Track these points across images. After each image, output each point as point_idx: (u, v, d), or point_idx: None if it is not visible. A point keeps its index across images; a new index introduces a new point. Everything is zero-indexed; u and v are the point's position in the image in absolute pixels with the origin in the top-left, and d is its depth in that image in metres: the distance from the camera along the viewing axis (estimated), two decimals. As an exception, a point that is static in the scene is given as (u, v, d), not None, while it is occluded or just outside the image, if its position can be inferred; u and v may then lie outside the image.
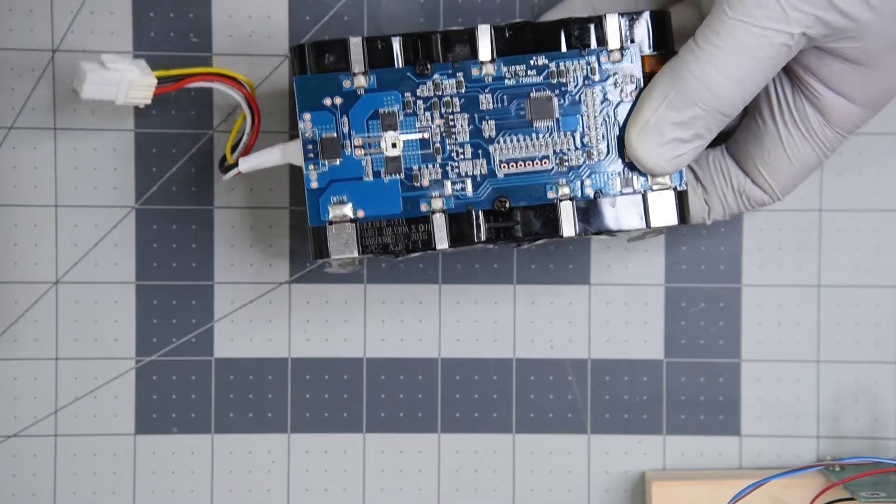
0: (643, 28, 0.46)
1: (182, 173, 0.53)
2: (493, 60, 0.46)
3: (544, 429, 0.54)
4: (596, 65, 0.46)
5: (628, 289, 0.54)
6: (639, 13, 0.47)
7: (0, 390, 0.53)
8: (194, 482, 0.54)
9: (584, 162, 0.47)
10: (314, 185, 0.46)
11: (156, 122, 0.53)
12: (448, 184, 0.46)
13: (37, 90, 0.53)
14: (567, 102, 0.47)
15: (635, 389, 0.54)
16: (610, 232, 0.47)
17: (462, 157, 0.47)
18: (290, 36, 0.53)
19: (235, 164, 0.48)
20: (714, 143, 0.48)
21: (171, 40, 0.53)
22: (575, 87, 0.47)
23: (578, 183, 0.47)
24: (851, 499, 0.49)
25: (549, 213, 0.46)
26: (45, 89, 0.53)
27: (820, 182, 0.53)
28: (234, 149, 0.49)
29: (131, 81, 0.47)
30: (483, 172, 0.47)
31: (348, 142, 0.46)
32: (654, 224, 0.46)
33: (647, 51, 0.46)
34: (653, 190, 0.47)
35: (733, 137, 0.49)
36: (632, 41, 0.46)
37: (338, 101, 0.46)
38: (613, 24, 0.46)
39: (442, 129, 0.46)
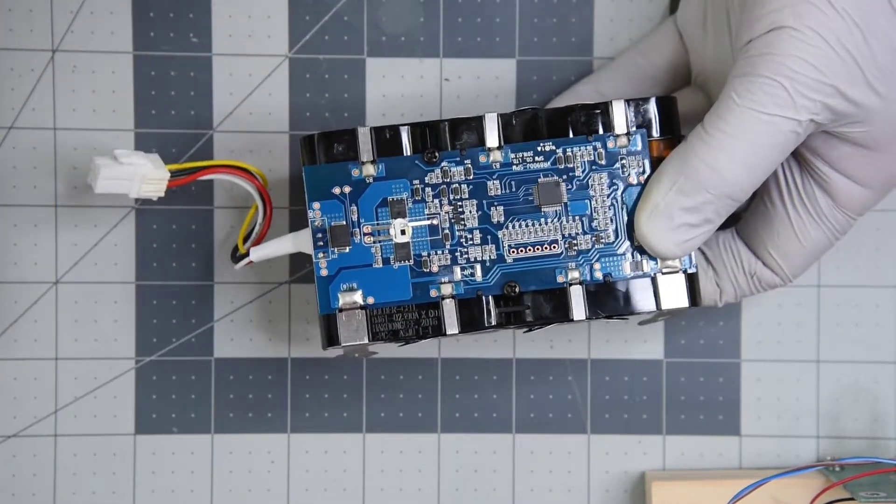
0: (650, 113, 0.47)
1: (182, 173, 0.53)
2: (500, 147, 0.47)
3: (544, 429, 0.54)
4: (603, 150, 0.47)
5: (628, 289, 0.54)
6: (645, 99, 0.47)
7: (0, 390, 0.53)
8: (194, 482, 0.54)
9: (594, 246, 0.47)
10: (324, 272, 0.47)
11: (156, 122, 0.53)
12: (457, 269, 0.47)
13: (37, 90, 0.53)
14: (575, 187, 0.47)
15: (635, 389, 0.54)
16: (621, 315, 0.47)
17: (471, 242, 0.47)
18: (290, 36, 0.53)
19: (247, 254, 0.49)
20: (724, 226, 0.48)
21: (171, 40, 0.53)
22: (582, 171, 0.47)
23: (588, 267, 0.47)
24: (851, 499, 0.49)
25: (559, 298, 0.47)
26: (45, 89, 0.53)
27: (820, 182, 0.53)
28: (246, 238, 0.49)
29: (144, 176, 0.48)
30: (492, 258, 0.47)
31: (357, 229, 0.47)
32: (664, 307, 0.47)
33: (655, 135, 0.47)
34: (662, 273, 0.47)
35: (743, 220, 0.49)
36: (638, 126, 0.47)
37: (347, 189, 0.47)
38: (620, 110, 0.47)
39: (451, 216, 0.47)
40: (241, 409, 0.54)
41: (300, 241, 0.48)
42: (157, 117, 0.53)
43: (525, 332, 0.49)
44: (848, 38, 0.43)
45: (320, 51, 0.53)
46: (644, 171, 0.47)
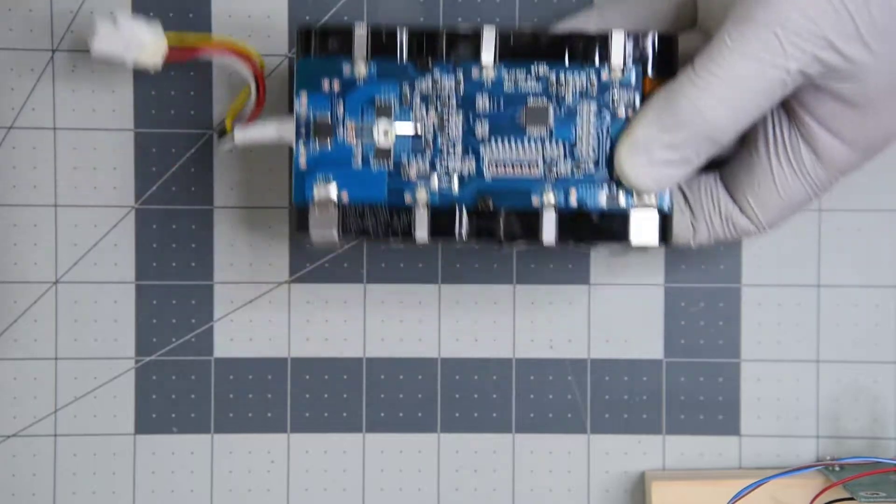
0: (648, 49, 0.47)
1: (182, 173, 0.53)
2: (495, 64, 0.47)
3: (544, 429, 0.54)
4: (596, 80, 0.47)
5: (628, 289, 0.54)
6: (646, 34, 0.47)
7: (0, 390, 0.53)
8: (194, 482, 0.54)
9: (573, 173, 0.47)
10: (303, 164, 0.47)
11: (156, 122, 0.53)
12: (435, 178, 0.47)
13: (37, 90, 0.53)
14: (563, 113, 0.47)
15: (635, 389, 0.54)
16: (590, 244, 0.47)
17: (452, 154, 0.47)
18: (290, 36, 0.53)
19: (232, 135, 0.49)
20: (709, 169, 0.48)
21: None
22: (572, 99, 0.47)
23: (564, 193, 0.47)
24: (851, 499, 0.49)
25: (532, 220, 0.47)
26: (45, 89, 0.53)
27: (820, 182, 0.53)
28: (235, 119, 0.49)
29: (142, 43, 0.48)
30: (471, 172, 0.47)
31: (341, 126, 0.47)
32: (634, 242, 0.47)
33: (650, 73, 0.47)
34: (637, 208, 0.47)
35: (727, 165, 0.49)
36: (635, 61, 0.47)
37: (336, 85, 0.47)
38: (619, 42, 0.47)
39: (435, 125, 0.47)
40: (241, 409, 0.54)
41: (283, 130, 0.48)
42: (157, 117, 0.53)
43: (496, 250, 0.49)
44: None
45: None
46: (634, 106, 0.47)
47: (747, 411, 0.54)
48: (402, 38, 0.47)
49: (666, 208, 0.47)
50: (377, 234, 0.46)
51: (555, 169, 0.47)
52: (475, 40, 0.47)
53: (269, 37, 0.53)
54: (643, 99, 0.47)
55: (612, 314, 0.54)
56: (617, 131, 0.47)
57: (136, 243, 0.53)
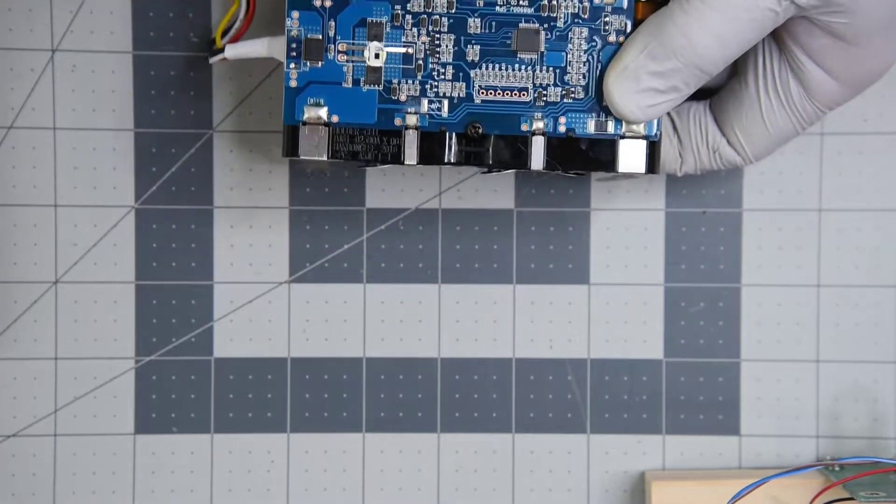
0: None
1: (182, 173, 0.53)
2: None
3: (544, 428, 0.54)
4: (588, 4, 0.47)
5: (628, 288, 0.54)
6: None
7: (0, 390, 0.53)
8: (194, 482, 0.54)
9: (562, 99, 0.47)
10: (293, 83, 0.47)
11: (156, 122, 0.53)
12: (425, 102, 0.47)
13: (37, 90, 0.53)
14: (554, 38, 0.47)
15: (635, 389, 0.54)
16: (578, 172, 0.47)
17: (442, 77, 0.47)
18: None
19: (223, 50, 0.49)
20: (700, 99, 0.48)
21: (171, 40, 0.53)
22: (564, 23, 0.47)
23: (553, 119, 0.47)
24: (851, 498, 0.49)
25: (521, 145, 0.47)
26: (45, 89, 0.53)
27: (819, 182, 0.53)
28: (224, 35, 0.49)
29: None
30: (461, 95, 0.47)
31: (332, 46, 0.47)
32: (621, 170, 0.47)
33: None
34: (625, 137, 0.47)
35: (717, 96, 0.49)
36: None
37: (328, 3, 0.47)
38: None
39: (426, 47, 0.47)
40: (241, 409, 0.54)
41: (274, 47, 0.48)
42: (157, 117, 0.53)
43: (483, 173, 0.49)
44: None
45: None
46: (625, 32, 0.47)
47: (747, 411, 0.54)
48: None
49: (654, 136, 0.47)
50: (366, 157, 0.47)
51: (544, 94, 0.47)
52: None
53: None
54: (635, 25, 0.47)
55: (612, 314, 0.54)
56: (608, 58, 0.47)
57: (136, 243, 0.53)
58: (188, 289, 0.53)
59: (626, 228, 0.54)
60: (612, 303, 0.54)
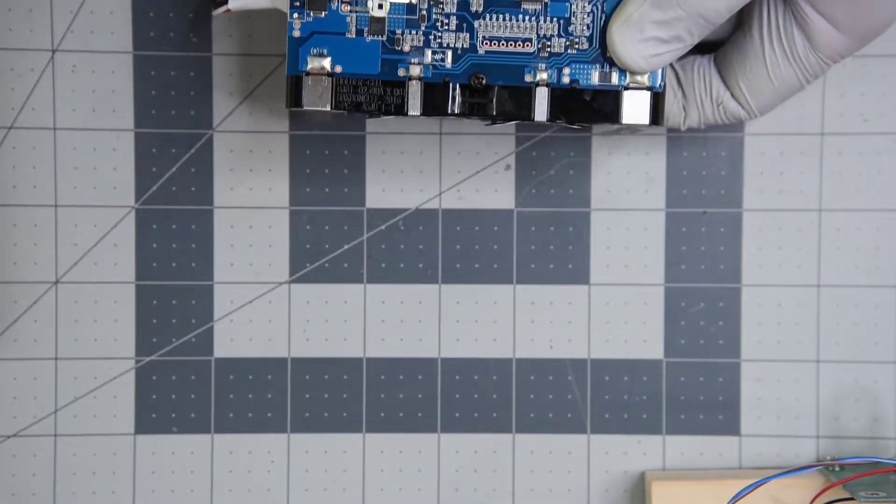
0: None
1: (182, 173, 0.53)
2: None
3: (544, 429, 0.54)
4: None
5: (628, 289, 0.54)
6: None
7: (0, 390, 0.53)
8: (194, 482, 0.54)
9: (566, 50, 0.47)
10: (297, 33, 0.47)
11: (156, 122, 0.53)
12: (428, 52, 0.47)
13: (37, 90, 0.53)
14: None
15: (635, 389, 0.54)
16: (582, 123, 0.47)
17: (446, 27, 0.47)
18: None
19: (226, 2, 0.48)
20: (705, 52, 0.48)
21: (171, 40, 0.53)
22: None
23: (557, 70, 0.47)
24: (851, 499, 0.49)
25: (525, 96, 0.47)
26: (45, 89, 0.53)
27: (819, 181, 0.53)
28: None
29: None
30: (465, 46, 0.47)
31: None
32: (625, 121, 0.47)
33: None
34: (629, 88, 0.47)
35: (722, 48, 0.49)
36: None
37: None
38: None
39: None
40: (241, 409, 0.54)
41: None
42: (157, 117, 0.53)
43: (487, 125, 0.49)
44: None
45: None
46: None
47: (747, 411, 0.54)
48: None
49: (658, 88, 0.47)
50: (370, 108, 0.46)
51: (548, 45, 0.47)
52: None
53: (270, 37, 0.53)
54: None
55: (612, 314, 0.54)
56: (612, 7, 0.47)
57: (136, 243, 0.53)
58: (188, 289, 0.53)
59: (626, 228, 0.54)
60: (612, 303, 0.54)
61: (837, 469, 0.51)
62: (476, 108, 0.47)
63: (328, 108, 0.46)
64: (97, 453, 0.54)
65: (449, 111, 0.46)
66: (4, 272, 0.53)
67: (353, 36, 0.47)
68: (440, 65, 0.47)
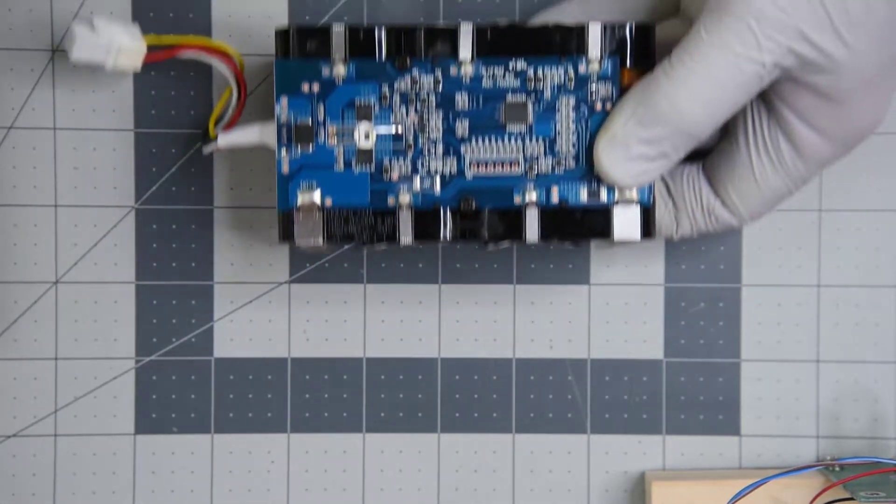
0: (625, 40, 0.47)
1: (182, 173, 0.53)
2: (472, 60, 0.47)
3: (544, 429, 0.54)
4: (573, 73, 0.47)
5: (628, 289, 0.54)
6: (622, 24, 0.47)
7: (0, 390, 0.53)
8: (194, 482, 0.54)
9: (553, 170, 0.47)
10: (285, 169, 0.47)
11: (156, 122, 0.53)
12: (417, 180, 0.47)
13: (37, 90, 0.53)
14: (542, 109, 0.47)
15: (635, 389, 0.54)
16: (574, 241, 0.47)
17: (433, 154, 0.47)
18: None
19: (216, 139, 0.49)
20: (693, 160, 0.48)
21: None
22: (551, 94, 0.47)
23: (546, 190, 0.47)
24: (851, 499, 0.49)
25: (515, 218, 0.47)
26: (45, 89, 0.53)
27: (820, 182, 0.53)
28: (218, 122, 0.50)
29: (121, 47, 0.48)
30: (453, 171, 0.47)
31: (322, 129, 0.47)
32: (617, 238, 0.47)
33: (628, 64, 0.47)
34: (618, 204, 0.47)
35: (709, 156, 0.49)
36: (612, 53, 0.47)
37: (316, 87, 0.47)
38: (595, 34, 0.47)
39: (416, 125, 0.47)
40: (241, 409, 0.54)
41: (266, 133, 0.48)
42: (157, 117, 0.53)
43: (479, 248, 0.49)
44: None
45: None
46: (612, 99, 0.47)
47: (747, 411, 0.54)
48: (380, 37, 0.47)
49: (647, 202, 0.47)
50: (362, 239, 0.47)
51: (535, 166, 0.47)
52: (452, 37, 0.47)
53: (270, 37, 0.53)
54: (621, 91, 0.47)
55: (612, 314, 0.54)
56: (596, 125, 0.47)
57: (136, 243, 0.53)
58: (188, 289, 0.53)
59: (626, 228, 0.54)
60: (612, 303, 0.54)
61: (837, 469, 0.51)
62: (468, 232, 0.47)
63: (321, 243, 0.47)
64: (97, 453, 0.54)
65: (441, 237, 0.47)
66: (4, 272, 0.53)
67: (342, 168, 0.47)
68: (429, 191, 0.47)
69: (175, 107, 0.53)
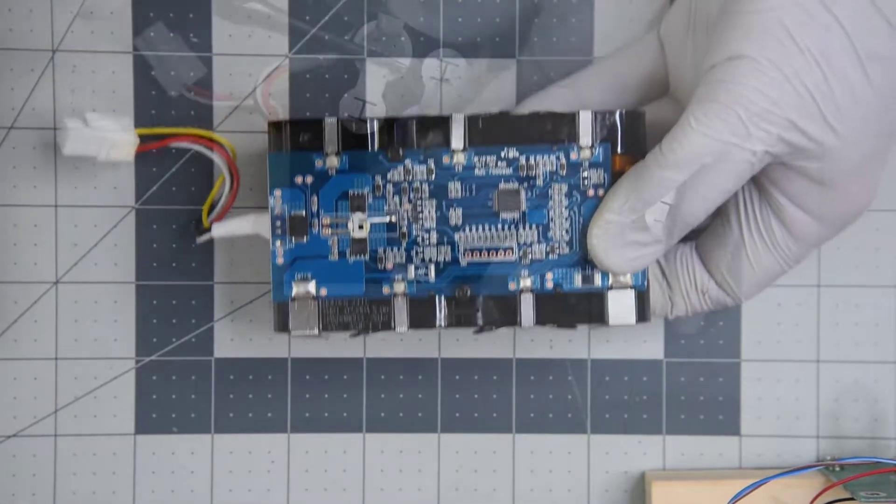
0: (616, 127, 0.47)
1: (182, 173, 0.53)
2: (464, 150, 0.47)
3: (544, 429, 0.54)
4: (565, 160, 0.47)
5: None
6: (612, 111, 0.47)
7: (0, 390, 0.53)
8: (194, 482, 0.54)
9: (547, 256, 0.47)
10: (280, 260, 0.47)
11: (156, 122, 0.53)
12: (412, 268, 0.47)
13: (37, 90, 0.53)
14: (534, 196, 0.47)
15: (635, 389, 0.54)
16: (570, 326, 0.47)
17: (427, 243, 0.47)
18: (290, 36, 0.53)
19: (209, 229, 0.50)
20: (686, 240, 0.49)
21: (170, 40, 0.53)
22: (543, 181, 0.47)
23: (540, 276, 0.47)
24: (851, 499, 0.49)
25: (510, 304, 0.47)
26: (45, 89, 0.53)
27: (820, 182, 0.53)
28: (211, 208, 0.50)
29: (113, 141, 0.49)
30: (447, 260, 0.47)
31: (316, 220, 0.47)
32: (612, 323, 0.47)
33: (619, 150, 0.47)
34: (612, 289, 0.47)
35: (702, 237, 0.49)
36: (603, 139, 0.47)
37: (309, 179, 0.47)
38: (586, 122, 0.47)
39: (409, 214, 0.47)
40: (241, 409, 0.54)
41: (260, 224, 0.49)
42: (157, 117, 0.53)
43: (475, 332, 0.49)
44: (807, 74, 0.43)
45: (320, 51, 0.53)
46: (604, 185, 0.47)
47: (747, 411, 0.54)
48: (373, 129, 0.47)
49: (642, 287, 0.47)
50: (357, 328, 0.47)
51: (529, 252, 0.47)
52: (444, 127, 0.47)
53: (270, 37, 0.53)
54: (613, 177, 0.47)
55: (613, 314, 0.54)
56: (589, 211, 0.47)
57: (136, 243, 0.53)
58: (188, 289, 0.53)
59: (626, 228, 0.54)
60: (613, 303, 0.54)
61: (838, 469, 0.51)
62: (462, 318, 0.47)
63: (316, 333, 0.47)
64: (97, 453, 0.54)
65: (436, 324, 0.47)
66: (4, 272, 0.53)
67: (336, 258, 0.47)
68: (424, 279, 0.47)
69: (175, 107, 0.53)
